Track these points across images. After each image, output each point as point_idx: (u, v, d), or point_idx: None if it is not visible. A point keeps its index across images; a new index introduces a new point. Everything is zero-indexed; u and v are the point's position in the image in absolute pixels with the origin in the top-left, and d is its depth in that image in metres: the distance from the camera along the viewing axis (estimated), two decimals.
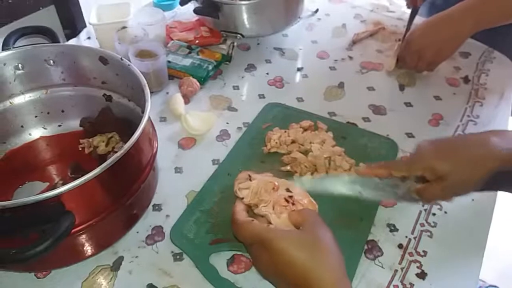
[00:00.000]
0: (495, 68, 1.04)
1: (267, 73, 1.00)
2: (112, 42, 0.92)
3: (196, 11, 0.98)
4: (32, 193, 0.69)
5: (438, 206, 0.72)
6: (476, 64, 1.05)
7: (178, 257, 0.63)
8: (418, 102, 0.93)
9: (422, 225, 0.70)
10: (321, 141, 0.77)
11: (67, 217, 0.49)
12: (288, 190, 0.63)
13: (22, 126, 0.75)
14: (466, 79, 1.00)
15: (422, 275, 0.63)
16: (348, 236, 0.66)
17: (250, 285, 0.60)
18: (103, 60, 0.70)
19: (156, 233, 0.66)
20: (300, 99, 0.93)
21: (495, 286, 1.23)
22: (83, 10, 1.11)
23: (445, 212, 0.72)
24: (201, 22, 1.09)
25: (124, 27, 0.95)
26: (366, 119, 0.88)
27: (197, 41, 1.05)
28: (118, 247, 0.64)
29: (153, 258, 0.63)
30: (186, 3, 1.00)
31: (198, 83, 0.92)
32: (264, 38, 1.10)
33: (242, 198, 0.61)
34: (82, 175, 0.49)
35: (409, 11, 1.07)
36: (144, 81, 0.64)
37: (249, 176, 0.64)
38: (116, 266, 0.62)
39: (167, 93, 0.93)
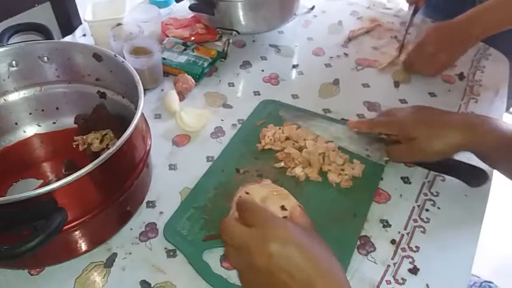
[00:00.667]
0: (490, 65, 1.04)
1: (263, 70, 1.00)
2: (107, 39, 0.92)
3: (191, 8, 0.98)
4: (26, 190, 0.67)
5: (432, 202, 0.73)
6: (472, 61, 1.05)
7: (171, 253, 0.64)
8: (413, 98, 0.94)
9: (415, 220, 0.70)
10: (315, 137, 0.78)
11: (59, 214, 0.49)
12: (283, 207, 0.63)
13: (16, 123, 0.75)
14: (461, 76, 1.00)
15: (414, 271, 0.63)
16: (341, 232, 0.66)
17: None
18: (97, 57, 0.70)
19: (150, 230, 0.67)
20: (295, 96, 0.93)
21: (490, 282, 1.23)
22: (78, 7, 1.11)
23: (438, 208, 0.72)
24: (196, 19, 1.09)
25: (119, 24, 0.95)
26: (361, 116, 0.88)
27: (192, 38, 1.05)
28: (111, 244, 0.64)
29: (146, 254, 0.64)
30: (182, 0, 1.00)
31: (193, 80, 0.92)
32: (259, 35, 1.10)
33: None
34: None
35: (407, 7, 1.08)
36: (137, 78, 0.64)
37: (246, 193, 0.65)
38: (109, 262, 0.62)
39: (162, 90, 0.93)
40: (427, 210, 0.72)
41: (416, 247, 0.66)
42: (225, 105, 0.90)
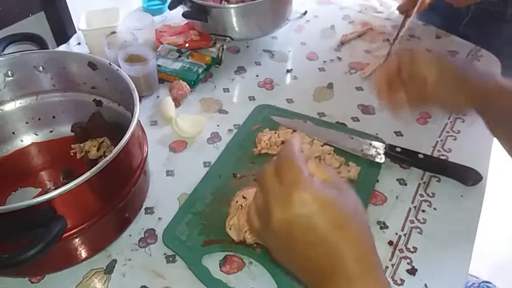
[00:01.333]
0: (482, 66, 1.05)
1: (257, 75, 1.01)
2: (102, 47, 0.92)
3: (185, 15, 0.98)
4: (24, 199, 0.67)
5: (428, 203, 0.73)
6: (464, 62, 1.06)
7: (171, 259, 0.64)
8: None
9: (411, 221, 0.71)
10: (311, 141, 0.78)
11: (58, 222, 0.49)
12: None
13: (13, 133, 0.76)
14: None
15: (412, 271, 0.64)
16: None
17: (243, 285, 0.61)
18: (92, 65, 0.71)
19: (149, 236, 0.67)
20: (290, 101, 0.94)
21: (488, 282, 1.24)
22: (72, 16, 1.11)
23: (435, 209, 0.73)
24: (190, 26, 1.10)
25: (113, 32, 0.95)
26: (355, 119, 0.89)
27: (186, 45, 1.06)
28: (111, 251, 0.65)
29: (146, 260, 0.64)
30: (175, 7, 1.01)
31: (188, 87, 0.93)
32: (253, 41, 1.11)
33: None
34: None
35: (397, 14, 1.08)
36: (132, 85, 0.64)
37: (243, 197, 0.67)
38: (109, 269, 0.63)
39: (158, 97, 0.94)
40: (423, 211, 0.72)
41: (413, 247, 0.67)
42: (220, 111, 0.91)
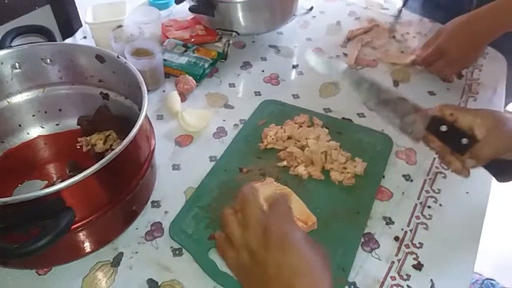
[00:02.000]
0: (488, 63, 1.05)
1: (263, 71, 1.01)
2: (108, 41, 0.92)
3: (191, 9, 0.98)
4: (31, 191, 0.68)
5: (434, 199, 0.73)
6: None
7: (177, 252, 0.64)
8: (412, 97, 0.93)
9: (417, 217, 0.71)
10: (317, 136, 0.78)
11: (68, 213, 0.49)
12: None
13: (20, 125, 0.76)
14: (459, 75, 1.01)
15: (418, 266, 0.64)
16: (344, 229, 0.67)
17: None
18: (100, 58, 0.71)
19: (155, 229, 0.67)
20: (295, 96, 0.94)
21: (491, 279, 1.24)
22: (78, 9, 1.11)
23: (440, 205, 0.73)
24: (196, 20, 1.10)
25: (120, 26, 0.95)
26: (361, 115, 0.89)
27: (192, 40, 1.05)
28: (118, 243, 0.65)
29: (152, 253, 0.64)
30: (182, 1, 1.01)
31: (194, 81, 0.93)
32: (259, 36, 1.11)
33: None
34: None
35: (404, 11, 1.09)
36: (141, 78, 0.64)
37: None
38: (116, 262, 0.63)
39: (164, 91, 0.94)
40: (429, 207, 0.72)
41: (419, 243, 0.67)
42: (226, 106, 0.91)
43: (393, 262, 0.64)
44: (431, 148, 0.66)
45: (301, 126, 0.82)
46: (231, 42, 1.02)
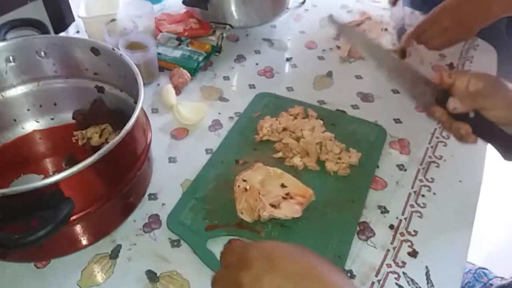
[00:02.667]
0: (478, 55, 1.07)
1: (257, 64, 1.01)
2: (102, 35, 0.92)
3: (185, 2, 0.98)
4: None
5: (427, 188, 0.74)
6: (461, 51, 1.07)
7: (175, 243, 0.65)
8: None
9: (412, 206, 0.72)
10: (312, 127, 0.79)
11: (67, 203, 0.50)
12: (283, 185, 0.68)
13: (14, 120, 0.75)
14: (451, 66, 1.02)
15: (413, 254, 0.65)
16: (340, 217, 0.68)
17: None
18: (95, 50, 0.70)
19: (153, 221, 0.67)
20: (290, 89, 0.94)
21: (484, 268, 1.25)
22: (71, 4, 1.11)
23: (434, 193, 0.74)
24: (189, 14, 1.10)
25: (113, 20, 0.95)
26: (355, 107, 0.90)
27: (186, 33, 1.05)
28: (115, 236, 0.65)
29: (151, 245, 0.64)
30: None
31: (188, 74, 0.93)
32: (252, 29, 1.11)
33: None
34: None
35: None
36: (136, 70, 0.65)
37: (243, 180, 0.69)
38: (114, 254, 0.63)
39: (158, 84, 0.94)
40: (423, 195, 0.74)
41: (414, 231, 0.68)
42: (221, 99, 0.91)
43: (388, 250, 0.65)
44: (436, 119, 0.66)
45: (296, 118, 0.82)
46: (224, 35, 1.02)
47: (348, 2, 1.25)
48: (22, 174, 0.72)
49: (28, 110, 0.76)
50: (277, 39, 1.10)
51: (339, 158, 0.76)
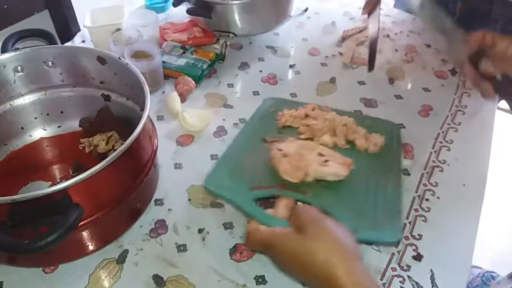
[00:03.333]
0: None
1: (260, 71, 1.02)
2: (107, 44, 0.93)
3: (189, 11, 1.00)
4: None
5: (431, 192, 0.75)
6: None
7: (182, 248, 0.65)
8: (407, 94, 0.96)
9: (416, 210, 0.72)
10: (332, 115, 0.81)
11: (76, 209, 0.50)
12: (320, 154, 0.69)
13: (22, 128, 0.77)
14: (453, 71, 1.03)
15: (418, 257, 0.65)
16: (383, 181, 0.71)
17: None
18: (101, 60, 0.72)
19: (159, 227, 0.68)
20: (293, 95, 0.95)
21: (492, 272, 1.26)
22: (76, 13, 1.12)
23: (438, 198, 0.74)
24: (193, 22, 1.11)
25: (118, 29, 0.96)
26: (358, 112, 0.91)
27: (190, 42, 1.07)
28: (122, 241, 0.66)
29: (157, 250, 0.65)
30: (179, 4, 1.02)
31: (193, 82, 0.94)
32: (256, 37, 1.12)
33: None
34: None
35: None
36: (142, 78, 0.66)
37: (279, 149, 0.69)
38: (121, 259, 0.64)
39: (163, 92, 0.95)
40: (427, 200, 0.74)
41: (418, 235, 0.68)
42: (225, 105, 0.92)
43: (393, 254, 0.66)
44: (465, 75, 0.69)
45: (313, 110, 0.84)
46: (228, 43, 1.03)
47: (351, 10, 1.26)
48: (30, 181, 0.73)
49: (36, 118, 0.77)
50: (280, 47, 1.11)
51: (366, 138, 0.78)
